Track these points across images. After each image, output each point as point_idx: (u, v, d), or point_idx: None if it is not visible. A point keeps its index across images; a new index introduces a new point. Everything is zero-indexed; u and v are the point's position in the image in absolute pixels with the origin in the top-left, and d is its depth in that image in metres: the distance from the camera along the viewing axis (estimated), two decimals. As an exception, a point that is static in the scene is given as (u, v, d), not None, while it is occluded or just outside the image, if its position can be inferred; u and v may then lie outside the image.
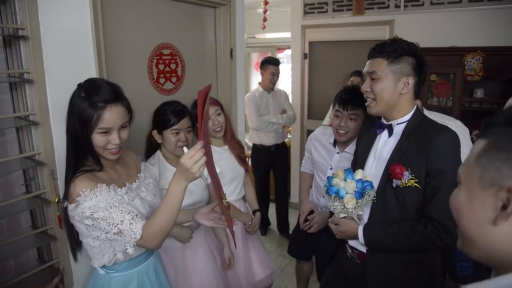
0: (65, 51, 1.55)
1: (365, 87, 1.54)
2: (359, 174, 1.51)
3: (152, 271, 1.56)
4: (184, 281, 1.93)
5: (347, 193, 1.48)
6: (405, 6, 3.86)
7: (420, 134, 1.46)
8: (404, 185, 1.43)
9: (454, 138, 1.43)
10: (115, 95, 1.33)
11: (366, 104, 1.56)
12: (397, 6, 3.91)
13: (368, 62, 1.55)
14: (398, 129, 1.53)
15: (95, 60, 1.66)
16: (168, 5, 2.19)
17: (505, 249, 0.62)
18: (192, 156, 1.19)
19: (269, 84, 3.85)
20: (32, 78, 1.47)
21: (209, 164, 1.30)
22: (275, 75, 3.82)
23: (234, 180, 2.27)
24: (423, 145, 1.43)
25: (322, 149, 2.32)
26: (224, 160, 2.20)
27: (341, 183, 1.49)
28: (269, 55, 8.82)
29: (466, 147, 2.09)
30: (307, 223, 2.26)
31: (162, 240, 1.31)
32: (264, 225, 4.19)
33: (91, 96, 1.28)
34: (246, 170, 2.34)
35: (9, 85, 1.51)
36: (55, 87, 1.51)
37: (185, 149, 1.26)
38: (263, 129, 3.84)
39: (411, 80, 1.47)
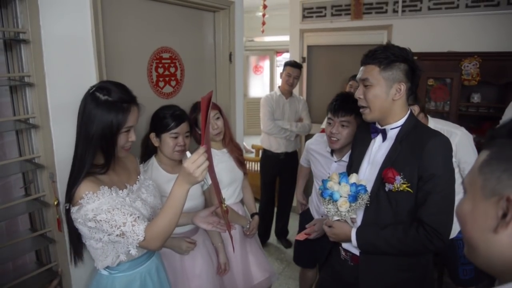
0: (66, 54, 1.56)
1: (358, 94, 1.55)
2: (353, 178, 1.52)
3: (154, 271, 1.57)
4: (183, 286, 1.93)
5: (341, 196, 1.50)
6: (403, 11, 3.89)
7: (413, 139, 1.48)
8: (397, 189, 1.44)
9: (445, 143, 1.45)
10: (132, 95, 1.40)
11: (360, 111, 1.58)
12: (395, 11, 3.95)
13: (361, 69, 1.56)
14: (392, 134, 1.54)
15: (95, 64, 1.66)
16: (168, 9, 2.21)
17: (506, 257, 0.64)
18: (195, 161, 1.23)
19: (286, 86, 3.75)
20: (33, 81, 1.48)
21: (210, 168, 1.32)
22: (292, 76, 3.70)
23: (233, 183, 2.27)
24: (415, 150, 1.44)
25: (320, 158, 2.33)
26: (223, 163, 2.20)
27: (335, 186, 1.51)
28: (268, 58, 8.90)
29: (472, 153, 2.12)
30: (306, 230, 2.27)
31: (164, 241, 1.34)
32: (263, 236, 3.99)
33: (116, 99, 1.33)
34: (244, 173, 2.35)
35: (9, 88, 1.51)
36: (56, 91, 1.51)
37: (188, 154, 1.29)
38: (275, 134, 3.75)
39: (403, 86, 1.49)
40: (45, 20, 1.46)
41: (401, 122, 1.53)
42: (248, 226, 2.26)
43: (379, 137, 1.58)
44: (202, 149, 1.25)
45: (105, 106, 1.31)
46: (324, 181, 1.56)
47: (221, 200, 1.45)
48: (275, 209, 4.14)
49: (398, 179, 1.43)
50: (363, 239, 1.52)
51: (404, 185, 1.43)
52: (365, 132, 1.68)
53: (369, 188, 1.53)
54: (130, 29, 1.99)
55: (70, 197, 1.32)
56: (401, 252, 1.49)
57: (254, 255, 2.34)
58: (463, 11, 3.60)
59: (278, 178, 4.01)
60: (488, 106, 3.51)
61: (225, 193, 2.19)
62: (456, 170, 2.14)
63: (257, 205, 3.13)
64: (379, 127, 1.58)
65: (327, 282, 1.81)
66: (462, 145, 2.11)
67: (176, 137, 1.86)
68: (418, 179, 1.43)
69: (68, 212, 1.35)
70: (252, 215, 2.36)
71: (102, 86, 1.35)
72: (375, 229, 1.51)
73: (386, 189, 1.47)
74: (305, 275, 2.73)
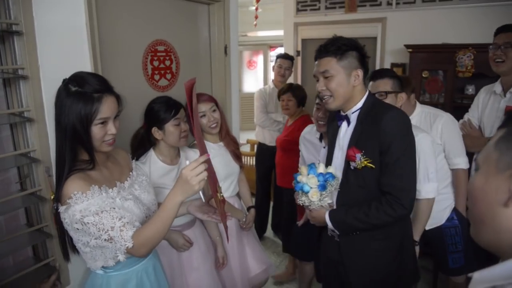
0: (60, 47, 1.54)
1: (320, 87, 1.62)
2: (320, 168, 1.61)
3: (151, 269, 1.53)
4: (180, 279, 1.93)
5: (311, 188, 1.58)
6: (397, 3, 3.90)
7: (371, 117, 1.56)
8: (360, 166, 1.53)
9: (400, 115, 1.54)
10: (107, 85, 1.32)
11: (324, 101, 1.64)
12: (389, 4, 3.95)
13: (316, 63, 1.64)
14: (354, 117, 1.63)
15: (89, 56, 1.65)
16: (162, 1, 2.19)
17: None
18: (194, 169, 1.20)
19: (278, 77, 3.78)
20: (27, 74, 1.46)
21: (209, 169, 1.30)
22: (283, 67, 3.74)
23: (229, 177, 2.27)
24: (373, 127, 1.53)
25: (311, 146, 2.37)
26: (219, 156, 2.19)
27: (304, 179, 1.59)
28: (261, 53, 8.87)
29: (457, 136, 2.22)
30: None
31: (151, 250, 1.32)
32: (260, 230, 3.98)
33: (86, 89, 1.26)
34: (241, 166, 2.35)
35: (3, 81, 1.49)
36: (50, 83, 1.48)
37: (187, 161, 1.26)
38: (267, 127, 3.79)
39: (360, 72, 1.58)
40: (38, 11, 1.44)
41: (360, 104, 1.61)
42: (244, 220, 2.26)
43: (344, 123, 1.67)
44: (202, 158, 1.21)
45: (74, 97, 1.25)
46: (295, 175, 1.65)
47: (216, 190, 1.42)
48: (271, 203, 4.15)
49: (358, 156, 1.53)
50: (335, 219, 1.61)
51: (366, 162, 1.52)
52: (332, 121, 1.79)
53: (341, 171, 1.63)
54: (125, 21, 1.97)
55: (59, 196, 1.27)
56: (371, 225, 1.56)
57: (251, 248, 2.35)
58: (457, 3, 3.61)
59: (274, 171, 4.01)
60: (482, 98, 3.52)
61: (221, 186, 2.18)
62: (442, 156, 2.20)
63: (253, 199, 3.12)
64: (343, 113, 1.66)
65: (330, 271, 1.84)
66: (447, 126, 2.18)
67: (178, 124, 1.86)
68: (379, 154, 1.51)
69: (57, 211, 1.30)
70: (248, 209, 2.36)
71: (74, 77, 1.29)
72: (345, 208, 1.60)
73: (352, 167, 1.56)
74: (303, 270, 2.74)
